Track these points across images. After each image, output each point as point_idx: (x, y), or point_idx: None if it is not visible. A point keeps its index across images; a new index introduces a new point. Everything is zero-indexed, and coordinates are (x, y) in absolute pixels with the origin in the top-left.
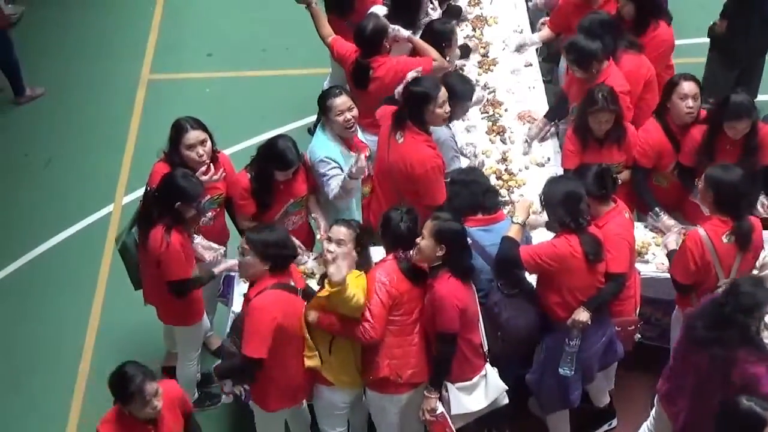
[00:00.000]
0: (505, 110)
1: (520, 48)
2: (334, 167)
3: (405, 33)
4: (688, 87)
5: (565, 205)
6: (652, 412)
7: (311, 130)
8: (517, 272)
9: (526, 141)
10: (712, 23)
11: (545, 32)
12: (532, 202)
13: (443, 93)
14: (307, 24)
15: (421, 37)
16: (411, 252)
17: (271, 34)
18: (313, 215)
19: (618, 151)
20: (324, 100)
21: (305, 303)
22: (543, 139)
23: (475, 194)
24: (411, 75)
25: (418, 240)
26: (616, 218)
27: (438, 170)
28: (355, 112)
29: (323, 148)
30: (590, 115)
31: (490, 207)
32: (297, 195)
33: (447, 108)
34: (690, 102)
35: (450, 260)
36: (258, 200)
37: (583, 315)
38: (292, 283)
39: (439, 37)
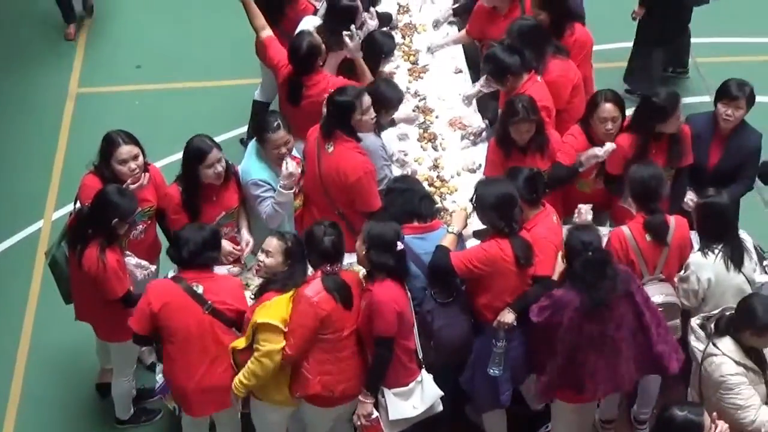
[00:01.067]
0: (436, 117)
1: (429, 50)
2: (267, 189)
3: (372, 24)
4: (608, 110)
5: (498, 208)
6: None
7: (244, 141)
8: (450, 280)
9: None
10: (632, 12)
11: (458, 35)
12: (469, 213)
13: (366, 100)
14: (236, 34)
15: (361, 48)
16: (337, 266)
17: (201, 45)
18: (237, 228)
19: (542, 158)
20: (262, 132)
21: (207, 314)
22: (475, 144)
23: (411, 202)
24: None
25: (356, 245)
26: (545, 221)
27: (371, 176)
28: (291, 144)
29: (256, 170)
30: (511, 125)
31: (426, 215)
32: (228, 206)
33: (372, 114)
34: (609, 125)
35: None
36: (190, 212)
37: (508, 316)
38: (196, 287)
39: (380, 48)
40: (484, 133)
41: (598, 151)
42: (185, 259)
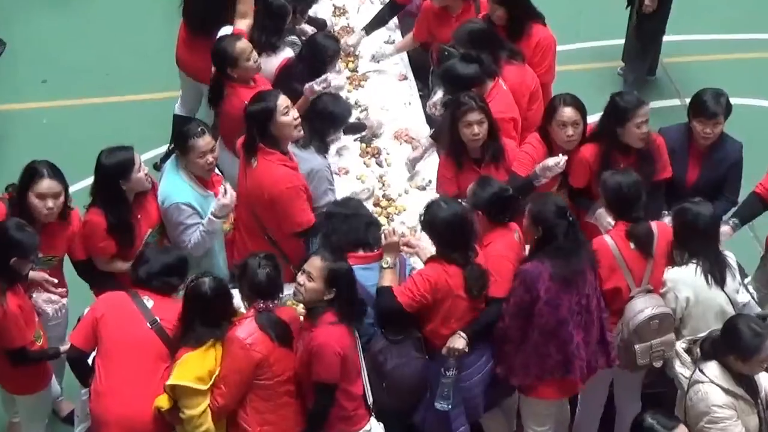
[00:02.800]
0: (381, 131)
1: (374, 59)
2: (192, 214)
3: (336, 83)
4: (567, 114)
5: (450, 235)
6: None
7: (158, 165)
8: (401, 319)
9: (407, 164)
10: (638, 4)
11: (405, 41)
12: (400, 239)
13: (282, 100)
14: (153, 46)
15: (300, 52)
16: (272, 302)
17: (115, 58)
18: None
19: (497, 170)
20: (184, 139)
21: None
22: (419, 159)
23: (356, 229)
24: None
25: (301, 280)
26: (504, 237)
27: (295, 190)
28: (217, 152)
29: (177, 191)
30: (460, 122)
31: (373, 243)
32: (154, 221)
33: (294, 114)
34: (570, 130)
35: (337, 303)
36: (121, 236)
37: (459, 342)
38: (147, 300)
39: (321, 53)
40: (432, 147)
41: (550, 162)
42: (141, 278)
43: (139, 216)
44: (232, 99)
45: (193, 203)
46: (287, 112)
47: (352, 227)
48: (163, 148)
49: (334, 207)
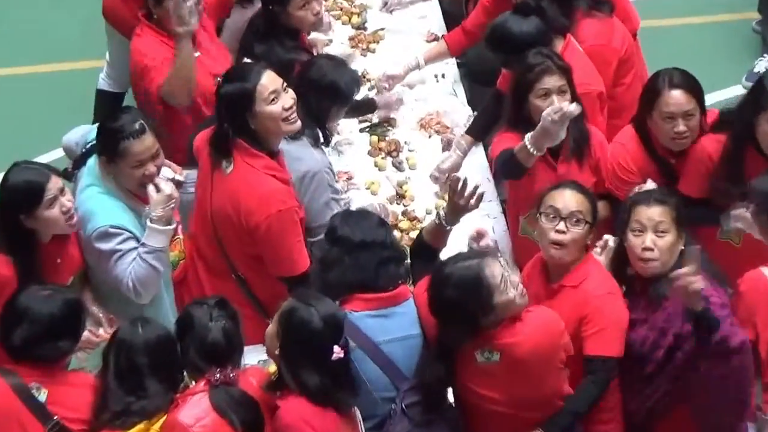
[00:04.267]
0: (398, 114)
1: (387, 7)
2: (127, 238)
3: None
4: (675, 101)
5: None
6: None
7: (69, 172)
8: (440, 387)
9: (435, 175)
10: None
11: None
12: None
13: (268, 80)
14: None
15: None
16: (232, 370)
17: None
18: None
19: (579, 168)
20: (113, 141)
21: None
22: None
23: (365, 268)
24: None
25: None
26: (597, 269)
27: (289, 215)
28: (161, 159)
29: (103, 210)
30: (532, 92)
31: (386, 285)
32: (77, 266)
33: (286, 101)
34: (680, 125)
35: (287, 363)
36: (23, 279)
37: None
38: (36, 391)
39: None
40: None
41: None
42: (17, 347)
43: (58, 260)
44: (135, 49)
45: (126, 225)
46: (275, 99)
47: (358, 264)
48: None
49: (341, 225)
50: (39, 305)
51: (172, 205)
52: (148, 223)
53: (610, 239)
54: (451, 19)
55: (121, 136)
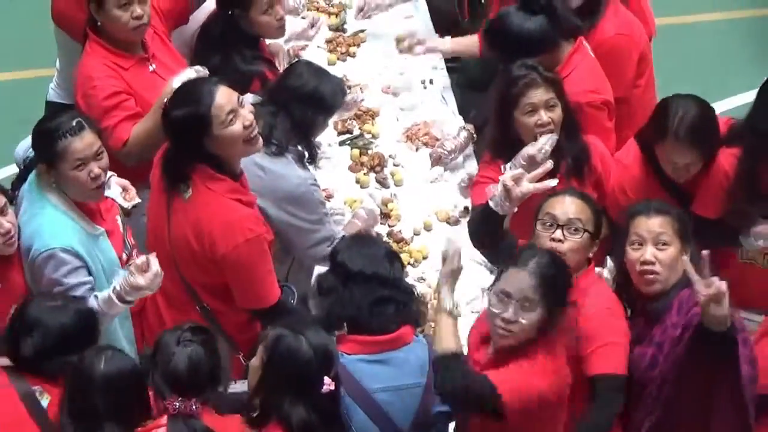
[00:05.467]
0: (381, 125)
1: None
2: (78, 268)
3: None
4: (679, 152)
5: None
6: None
7: (12, 193)
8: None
9: (433, 154)
10: None
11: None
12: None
13: (223, 97)
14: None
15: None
16: (195, 402)
17: None
18: None
19: (580, 186)
20: (49, 141)
21: None
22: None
23: (358, 303)
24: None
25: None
26: (597, 284)
27: (258, 244)
28: (105, 160)
29: (50, 229)
30: (517, 107)
31: (379, 328)
32: (18, 295)
33: (246, 119)
34: (681, 172)
35: (267, 398)
36: None
37: None
38: (39, 395)
39: None
40: (470, 147)
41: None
42: (27, 358)
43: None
44: (83, 64)
45: (77, 248)
46: (232, 120)
47: (353, 296)
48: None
49: (345, 250)
50: (53, 314)
51: (143, 295)
52: (112, 294)
53: (603, 271)
54: (442, 17)
55: (58, 134)
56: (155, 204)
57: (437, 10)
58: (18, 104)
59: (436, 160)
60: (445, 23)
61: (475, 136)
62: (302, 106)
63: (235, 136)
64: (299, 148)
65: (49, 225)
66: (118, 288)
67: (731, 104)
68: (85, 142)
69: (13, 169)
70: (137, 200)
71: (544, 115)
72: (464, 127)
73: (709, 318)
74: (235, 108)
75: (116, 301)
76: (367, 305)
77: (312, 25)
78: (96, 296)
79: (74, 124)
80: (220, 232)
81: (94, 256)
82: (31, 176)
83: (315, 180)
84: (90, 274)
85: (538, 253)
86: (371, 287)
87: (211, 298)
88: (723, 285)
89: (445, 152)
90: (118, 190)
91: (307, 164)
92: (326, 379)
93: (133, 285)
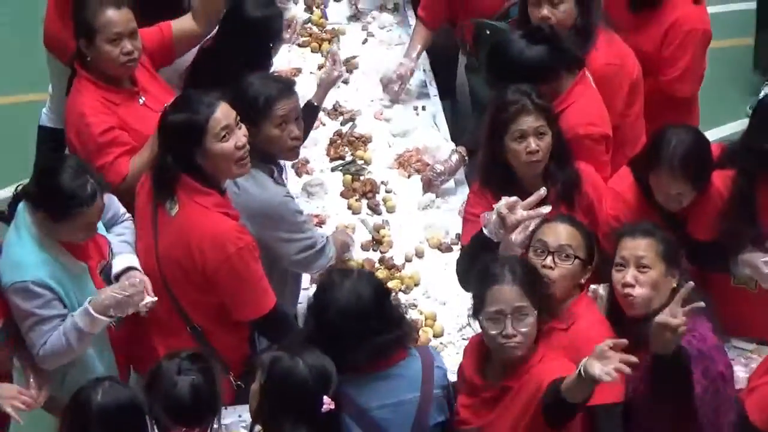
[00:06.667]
0: (374, 151)
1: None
2: (50, 300)
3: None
4: (672, 183)
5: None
6: None
7: (7, 215)
8: None
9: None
10: None
11: (419, 31)
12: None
13: (223, 113)
14: (2, 26)
15: (225, 31)
16: None
17: None
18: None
19: (568, 211)
20: (64, 207)
21: None
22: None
23: (342, 345)
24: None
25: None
26: (590, 309)
27: (248, 252)
28: (99, 212)
29: (25, 262)
30: (507, 133)
31: (366, 361)
32: (2, 315)
33: (239, 140)
34: (673, 202)
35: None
36: None
37: None
38: None
39: (262, 30)
40: (461, 170)
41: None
42: None
43: None
44: (74, 102)
45: (50, 283)
46: (225, 136)
47: (344, 352)
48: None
49: (329, 286)
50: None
51: (126, 312)
52: (88, 304)
53: (599, 288)
54: (442, 53)
55: (74, 203)
56: (142, 226)
57: (436, 46)
58: (10, 128)
59: (427, 184)
60: (445, 59)
61: (466, 158)
62: (248, 38)
63: (225, 153)
64: (270, 167)
65: (25, 257)
66: (96, 302)
67: (719, 134)
68: (98, 207)
69: (7, 192)
70: (150, 299)
71: (533, 143)
72: (456, 150)
73: (658, 343)
74: (231, 125)
75: (93, 311)
76: (357, 341)
77: (288, 26)
78: (72, 315)
79: (89, 191)
80: (210, 245)
81: (70, 290)
82: (21, 206)
83: (288, 192)
84: (65, 306)
85: (505, 262)
86: (355, 322)
87: (202, 318)
88: (684, 321)
89: (435, 174)
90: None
91: (278, 180)
92: (326, 399)
93: (112, 299)
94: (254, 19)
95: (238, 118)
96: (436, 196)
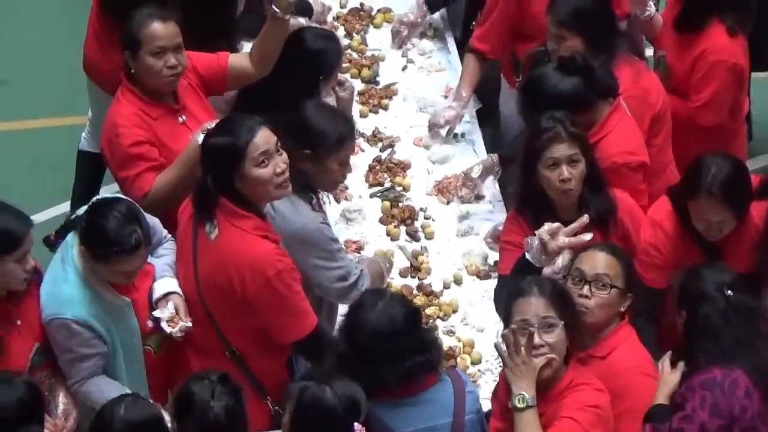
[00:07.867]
0: (412, 177)
1: (433, 129)
2: (90, 339)
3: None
4: (712, 211)
5: None
6: None
7: (52, 240)
8: None
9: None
10: None
11: (471, 66)
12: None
13: (262, 138)
14: (45, 47)
15: (281, 59)
16: None
17: None
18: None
19: (603, 239)
20: (104, 250)
21: None
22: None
23: (373, 367)
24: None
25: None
26: (630, 339)
27: (288, 274)
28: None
29: (68, 298)
30: (540, 160)
31: (398, 385)
32: (36, 332)
33: (278, 167)
34: (713, 230)
35: None
36: None
37: None
38: None
39: (316, 61)
40: (493, 181)
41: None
42: None
43: (18, 321)
44: (112, 110)
45: (91, 322)
46: (264, 162)
47: (376, 375)
48: (61, 208)
49: (359, 312)
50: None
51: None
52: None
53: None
54: (486, 85)
55: (114, 250)
56: (182, 251)
57: (483, 78)
58: (50, 152)
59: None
60: (485, 85)
61: (499, 166)
62: (302, 69)
63: (263, 179)
64: (309, 195)
65: (67, 291)
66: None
67: (755, 164)
68: (138, 260)
69: (47, 215)
70: (185, 324)
71: (565, 171)
72: (490, 155)
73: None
74: (270, 151)
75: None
76: (382, 362)
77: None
78: (102, 357)
79: (133, 242)
80: (249, 269)
81: (111, 327)
82: (70, 237)
83: (325, 218)
84: (105, 343)
85: (534, 279)
86: (395, 342)
87: (241, 342)
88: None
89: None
90: (167, 313)
91: (315, 208)
92: (357, 426)
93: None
94: (312, 51)
95: (279, 144)
96: (471, 226)
